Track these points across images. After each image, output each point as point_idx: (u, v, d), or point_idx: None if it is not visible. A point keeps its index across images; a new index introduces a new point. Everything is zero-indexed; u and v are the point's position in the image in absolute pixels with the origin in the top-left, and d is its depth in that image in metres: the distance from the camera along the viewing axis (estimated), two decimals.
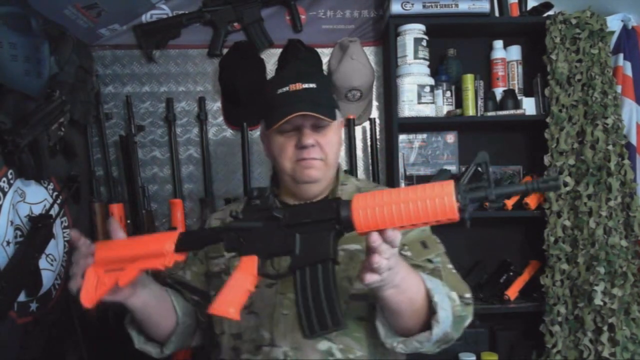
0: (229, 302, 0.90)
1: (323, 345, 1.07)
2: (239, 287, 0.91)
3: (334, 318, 0.87)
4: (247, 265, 0.92)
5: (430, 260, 1.11)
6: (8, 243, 1.41)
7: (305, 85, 1.14)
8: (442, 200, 0.78)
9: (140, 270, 0.99)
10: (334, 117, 1.15)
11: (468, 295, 1.08)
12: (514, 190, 0.82)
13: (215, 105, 2.15)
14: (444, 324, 0.96)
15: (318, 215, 0.88)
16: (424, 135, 2.22)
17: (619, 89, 1.96)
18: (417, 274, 0.96)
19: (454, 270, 1.14)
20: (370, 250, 0.82)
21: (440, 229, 2.29)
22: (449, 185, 0.79)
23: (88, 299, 0.97)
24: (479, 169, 0.81)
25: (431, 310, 0.96)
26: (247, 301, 0.98)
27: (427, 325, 0.97)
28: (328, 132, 1.16)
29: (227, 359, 1.16)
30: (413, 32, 1.98)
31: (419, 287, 0.95)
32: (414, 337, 0.98)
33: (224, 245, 0.97)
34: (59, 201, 1.68)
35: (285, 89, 1.13)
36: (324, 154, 1.15)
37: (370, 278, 0.83)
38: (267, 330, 1.10)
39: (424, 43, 2.00)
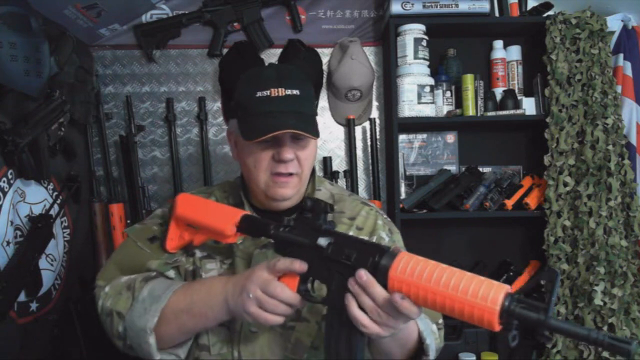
0: None
1: None
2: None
3: None
4: (290, 280, 0.91)
5: None
6: (8, 243, 1.41)
7: (288, 92, 1.04)
8: (484, 308, 0.70)
9: (208, 238, 1.07)
10: (318, 133, 1.08)
11: (441, 320, 1.10)
12: (573, 332, 0.68)
13: (215, 105, 2.15)
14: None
15: (358, 261, 0.84)
16: (424, 135, 2.22)
17: (619, 89, 1.96)
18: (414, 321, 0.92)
19: None
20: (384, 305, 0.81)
21: (441, 229, 2.29)
22: (500, 292, 0.71)
23: (172, 246, 1.10)
24: (542, 284, 0.71)
25: (421, 349, 0.97)
26: None
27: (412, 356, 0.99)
28: (308, 145, 1.08)
29: None
30: (413, 32, 1.98)
31: (413, 331, 0.96)
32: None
33: (275, 248, 0.95)
34: (59, 201, 1.68)
35: (266, 92, 1.03)
36: (301, 169, 1.07)
37: (365, 324, 0.82)
38: (236, 348, 1.06)
39: (424, 43, 2.00)
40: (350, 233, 1.13)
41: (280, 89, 1.03)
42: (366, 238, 1.09)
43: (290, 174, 1.06)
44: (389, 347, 0.94)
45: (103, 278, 1.12)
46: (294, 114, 1.03)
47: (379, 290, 0.80)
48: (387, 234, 1.17)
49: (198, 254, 1.11)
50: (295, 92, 1.04)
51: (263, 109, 1.03)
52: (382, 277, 0.80)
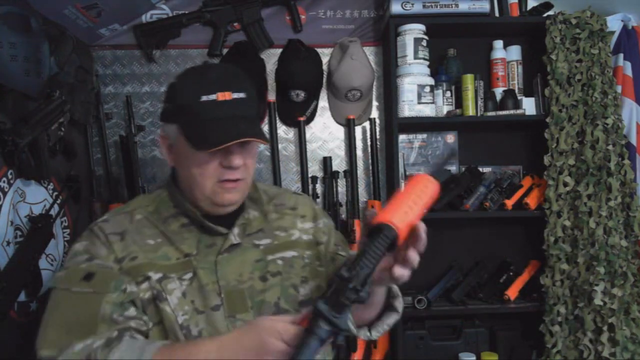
0: None
1: None
2: None
3: None
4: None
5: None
6: (8, 243, 1.41)
7: (235, 95, 0.98)
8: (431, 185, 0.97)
9: None
10: (266, 137, 1.07)
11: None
12: None
13: None
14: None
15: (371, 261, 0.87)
16: (424, 135, 2.22)
17: (619, 89, 1.96)
18: None
19: None
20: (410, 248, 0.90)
21: (441, 229, 2.29)
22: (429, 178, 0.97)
23: None
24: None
25: (390, 295, 1.09)
26: (194, 331, 0.96)
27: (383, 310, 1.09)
28: (253, 149, 1.04)
29: None
30: (413, 32, 1.98)
31: None
32: (383, 321, 1.09)
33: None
34: (59, 201, 1.68)
35: (212, 96, 0.96)
36: (247, 173, 1.04)
37: (403, 272, 0.90)
38: None
39: (424, 43, 2.00)
40: (298, 222, 1.15)
41: (226, 93, 0.98)
42: (312, 224, 1.15)
43: (238, 180, 1.02)
44: (381, 297, 1.04)
45: (47, 347, 0.89)
46: (243, 119, 0.99)
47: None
48: (325, 217, 1.21)
49: (153, 276, 0.98)
50: (241, 95, 0.99)
51: (211, 114, 0.97)
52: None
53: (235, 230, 1.06)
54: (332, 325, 0.78)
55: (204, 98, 0.97)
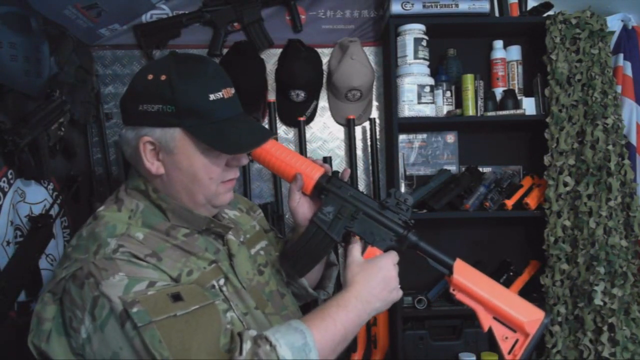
0: None
1: None
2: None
3: None
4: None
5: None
6: (8, 243, 1.41)
7: (233, 90, 0.97)
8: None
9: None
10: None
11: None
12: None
13: None
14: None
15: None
16: (424, 135, 2.22)
17: (619, 89, 1.96)
18: None
19: None
20: None
21: (441, 229, 2.29)
22: None
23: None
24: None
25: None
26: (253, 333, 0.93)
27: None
28: None
29: None
30: (413, 32, 1.98)
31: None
32: (329, 276, 1.27)
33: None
34: (59, 201, 1.68)
35: (220, 94, 0.93)
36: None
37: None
38: None
39: (424, 43, 2.00)
40: (249, 213, 1.22)
41: (228, 89, 0.95)
42: (254, 214, 1.24)
43: (233, 179, 1.02)
44: None
45: None
46: (247, 116, 0.99)
47: None
48: (255, 205, 1.29)
49: (216, 283, 0.96)
50: (234, 89, 0.98)
51: (223, 114, 0.94)
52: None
53: (230, 231, 1.07)
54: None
55: (212, 97, 0.92)
